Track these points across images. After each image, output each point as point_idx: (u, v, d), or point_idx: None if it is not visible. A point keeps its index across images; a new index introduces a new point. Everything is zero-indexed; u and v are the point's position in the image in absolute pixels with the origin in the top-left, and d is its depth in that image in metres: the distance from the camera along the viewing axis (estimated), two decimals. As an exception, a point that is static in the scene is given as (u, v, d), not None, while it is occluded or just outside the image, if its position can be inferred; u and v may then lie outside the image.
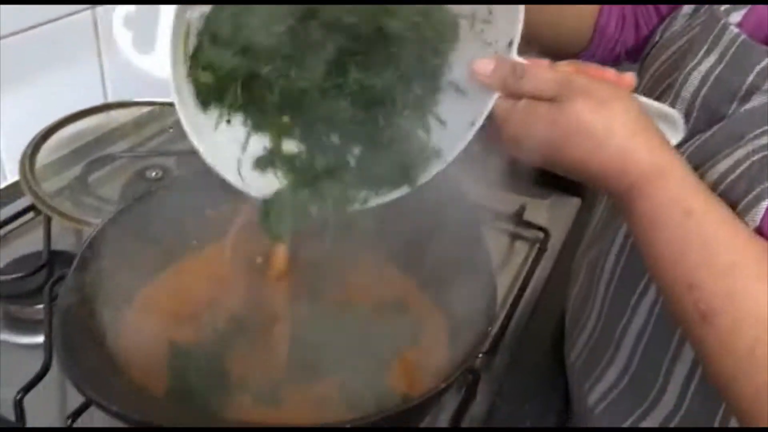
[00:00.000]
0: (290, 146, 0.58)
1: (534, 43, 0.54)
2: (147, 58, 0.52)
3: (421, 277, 0.70)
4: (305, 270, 0.65)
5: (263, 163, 0.57)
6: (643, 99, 0.54)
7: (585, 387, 0.70)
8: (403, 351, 0.63)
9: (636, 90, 0.71)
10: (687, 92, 0.59)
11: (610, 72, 0.54)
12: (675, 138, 0.55)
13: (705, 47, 0.58)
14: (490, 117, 0.54)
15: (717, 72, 0.57)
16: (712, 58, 0.57)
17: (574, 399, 0.75)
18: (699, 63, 0.58)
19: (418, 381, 0.61)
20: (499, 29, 0.55)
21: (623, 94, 0.51)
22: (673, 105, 0.59)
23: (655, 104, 0.55)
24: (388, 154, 0.58)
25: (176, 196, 0.65)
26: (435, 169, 0.60)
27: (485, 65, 0.53)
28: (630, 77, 0.54)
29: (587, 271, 0.72)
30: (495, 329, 0.80)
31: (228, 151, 0.57)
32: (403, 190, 0.60)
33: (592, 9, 0.80)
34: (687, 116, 0.59)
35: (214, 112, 0.56)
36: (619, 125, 0.49)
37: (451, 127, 0.60)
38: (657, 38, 0.73)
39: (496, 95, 0.54)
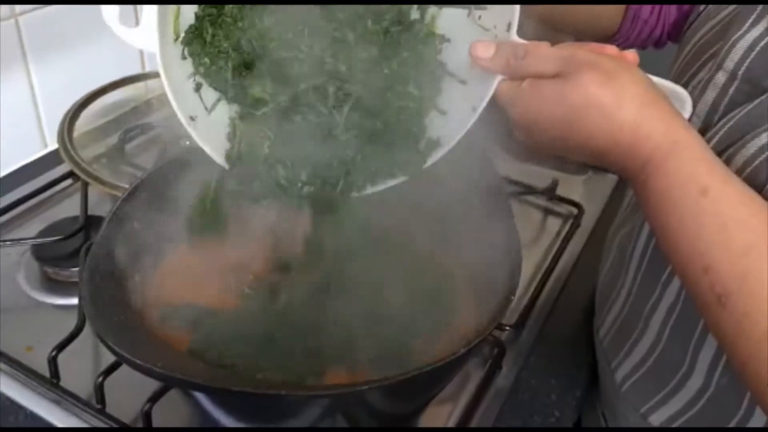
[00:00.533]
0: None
1: (563, 31, 0.53)
2: (133, 32, 0.53)
3: (449, 246, 0.69)
4: (333, 237, 0.65)
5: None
6: (649, 76, 0.53)
7: (613, 363, 0.70)
8: (432, 319, 0.63)
9: (675, 62, 0.69)
10: (731, 62, 0.56)
11: (612, 48, 0.52)
12: None
13: (753, 16, 0.56)
14: (494, 101, 0.54)
15: (764, 42, 0.54)
16: (760, 27, 0.55)
17: (601, 375, 0.74)
18: (746, 32, 0.56)
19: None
20: (496, 13, 0.55)
21: (630, 67, 0.50)
22: (713, 76, 0.57)
23: (662, 81, 0.53)
24: (384, 147, 0.57)
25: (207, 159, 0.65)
26: (435, 155, 0.60)
27: (486, 50, 0.52)
28: (633, 54, 0.53)
29: (618, 248, 0.71)
30: (524, 302, 0.80)
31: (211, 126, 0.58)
32: (398, 180, 0.60)
33: None
34: (726, 88, 0.57)
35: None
36: (628, 96, 0.48)
37: (453, 114, 0.59)
38: (701, 8, 0.71)
39: (498, 78, 0.53)
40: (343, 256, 0.63)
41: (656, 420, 0.65)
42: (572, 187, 1.02)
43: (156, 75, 1.02)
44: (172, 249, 0.62)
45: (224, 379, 0.46)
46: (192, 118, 0.57)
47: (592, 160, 0.52)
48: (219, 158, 0.58)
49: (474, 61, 0.53)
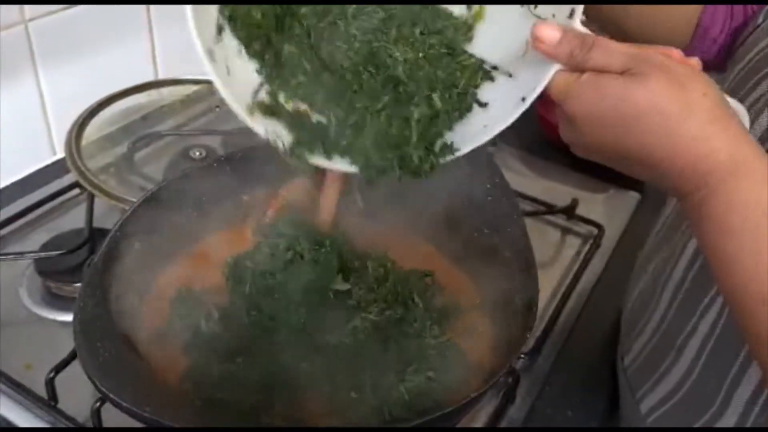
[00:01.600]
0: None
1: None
2: None
3: (464, 265, 0.66)
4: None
5: (264, 109, 0.54)
6: None
7: (638, 393, 0.66)
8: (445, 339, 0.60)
9: (726, 80, 0.65)
10: None
11: (676, 52, 0.48)
12: None
13: None
14: (543, 93, 0.49)
15: None
16: None
17: (625, 406, 0.71)
18: None
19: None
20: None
21: (702, 77, 0.46)
22: None
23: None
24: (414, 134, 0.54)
25: (210, 179, 0.63)
26: (478, 140, 0.54)
27: (551, 34, 0.47)
28: (696, 61, 0.48)
29: (653, 274, 0.67)
30: (540, 327, 0.77)
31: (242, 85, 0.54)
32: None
33: (694, 8, 0.73)
34: None
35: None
36: (697, 109, 0.44)
37: (497, 105, 0.54)
38: (759, 20, 0.66)
39: (555, 68, 0.48)
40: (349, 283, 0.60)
41: None
42: (592, 205, 0.98)
43: (165, 83, 1.01)
44: (171, 270, 0.60)
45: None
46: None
47: (640, 171, 0.47)
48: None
49: (535, 45, 0.48)
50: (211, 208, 0.64)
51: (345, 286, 0.57)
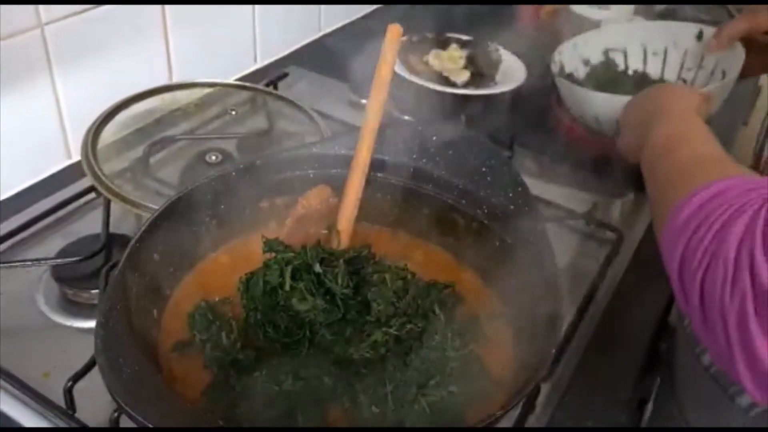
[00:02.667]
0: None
1: None
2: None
3: (485, 275, 0.66)
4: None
5: None
6: None
7: (731, 389, 0.63)
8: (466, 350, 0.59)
9: None
10: None
11: None
12: None
13: None
14: None
15: None
16: None
17: (719, 406, 0.67)
18: None
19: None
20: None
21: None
22: None
23: None
24: None
25: (228, 187, 0.63)
26: None
27: None
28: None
29: None
30: (560, 335, 0.76)
31: None
32: None
33: None
34: None
35: None
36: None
37: None
38: None
39: None
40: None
41: None
42: (610, 209, 0.97)
43: (180, 87, 1.00)
44: (190, 281, 0.59)
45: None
46: None
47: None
48: None
49: None
50: (229, 216, 0.64)
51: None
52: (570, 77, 1.06)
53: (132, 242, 0.54)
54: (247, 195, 0.65)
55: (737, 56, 0.97)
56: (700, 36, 1.06)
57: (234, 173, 0.63)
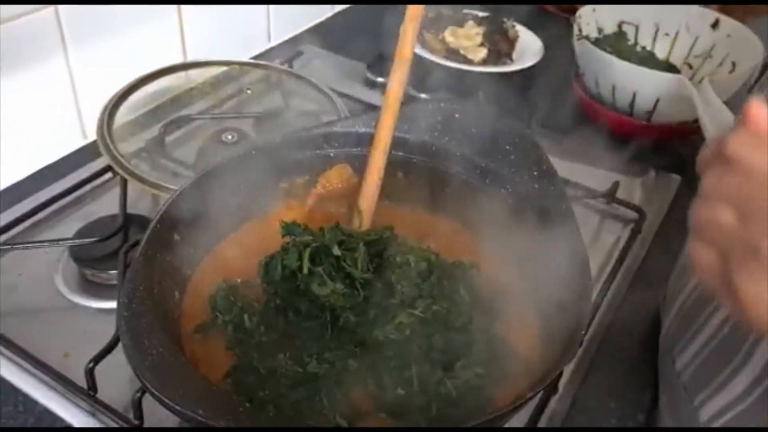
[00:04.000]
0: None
1: None
2: None
3: (510, 255, 0.64)
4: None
5: None
6: None
7: (696, 400, 0.61)
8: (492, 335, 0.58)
9: None
10: None
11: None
12: None
13: None
14: None
15: None
16: None
17: (682, 411, 0.65)
18: None
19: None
20: None
21: None
22: None
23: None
24: None
25: (248, 167, 0.62)
26: None
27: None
28: None
29: None
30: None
31: None
32: None
33: None
34: None
35: None
36: None
37: None
38: None
39: None
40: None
41: None
42: (632, 188, 0.96)
43: (196, 65, 0.99)
44: (210, 262, 0.59)
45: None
46: None
47: None
48: None
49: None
50: (250, 196, 0.63)
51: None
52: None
53: (153, 222, 0.54)
54: (267, 175, 0.64)
55: (751, 49, 0.95)
56: (715, 25, 1.04)
57: (254, 152, 0.62)
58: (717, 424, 0.59)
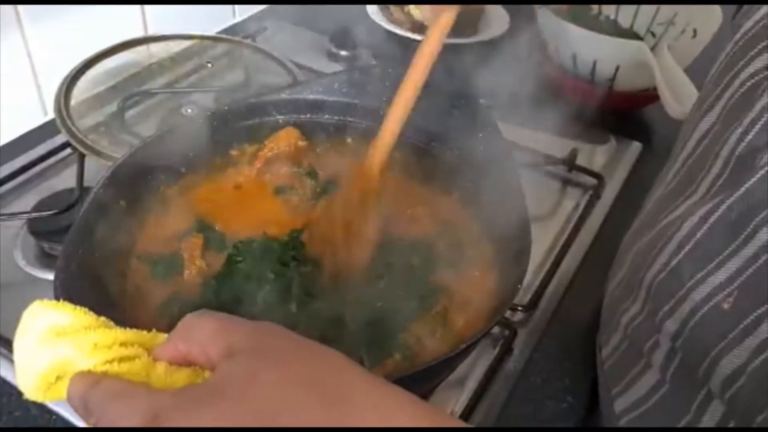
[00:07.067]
0: None
1: None
2: None
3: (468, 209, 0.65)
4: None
5: None
6: None
7: (613, 391, 0.61)
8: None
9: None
10: None
11: None
12: None
13: None
14: None
15: None
16: None
17: (602, 400, 0.65)
18: None
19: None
20: None
21: None
22: None
23: None
24: None
25: (196, 134, 0.62)
26: None
27: None
28: None
29: (631, 263, 0.60)
30: (538, 280, 0.76)
31: None
32: None
33: None
34: None
35: None
36: None
37: None
38: None
39: None
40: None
41: None
42: (593, 156, 0.96)
43: (156, 39, 0.99)
44: (156, 229, 0.59)
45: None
46: None
47: None
48: None
49: None
50: (199, 164, 0.63)
51: None
52: None
53: (96, 187, 0.54)
54: (216, 142, 0.64)
55: (713, 18, 0.96)
56: None
57: (201, 120, 0.62)
58: (626, 419, 0.58)
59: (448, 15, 0.57)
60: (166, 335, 0.38)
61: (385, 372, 0.49)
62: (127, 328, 0.39)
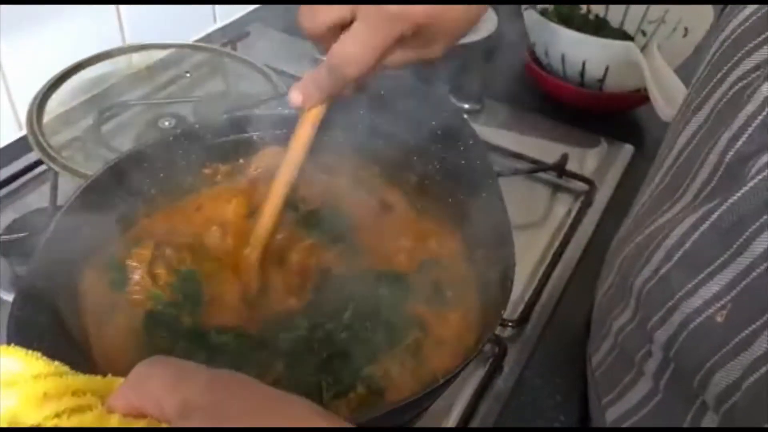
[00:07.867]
0: None
1: None
2: None
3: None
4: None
5: None
6: None
7: (604, 400, 0.59)
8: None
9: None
10: None
11: None
12: None
13: None
14: None
15: None
16: None
17: (593, 409, 0.63)
18: None
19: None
20: None
21: None
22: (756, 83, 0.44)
23: None
24: None
25: (168, 153, 0.60)
26: None
27: None
28: None
29: (619, 269, 0.58)
30: (528, 294, 0.74)
31: None
32: None
33: None
34: None
35: None
36: None
37: None
38: None
39: None
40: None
41: None
42: (583, 159, 0.94)
43: (133, 49, 0.96)
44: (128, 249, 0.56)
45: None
46: None
47: None
48: None
49: None
50: (168, 183, 0.60)
51: None
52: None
53: (59, 214, 0.51)
54: (188, 161, 0.61)
55: (704, 16, 0.94)
56: None
57: (171, 139, 0.60)
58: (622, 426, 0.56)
59: (318, 109, 0.59)
60: (121, 379, 0.36)
61: (350, 407, 0.47)
62: (79, 374, 0.36)
